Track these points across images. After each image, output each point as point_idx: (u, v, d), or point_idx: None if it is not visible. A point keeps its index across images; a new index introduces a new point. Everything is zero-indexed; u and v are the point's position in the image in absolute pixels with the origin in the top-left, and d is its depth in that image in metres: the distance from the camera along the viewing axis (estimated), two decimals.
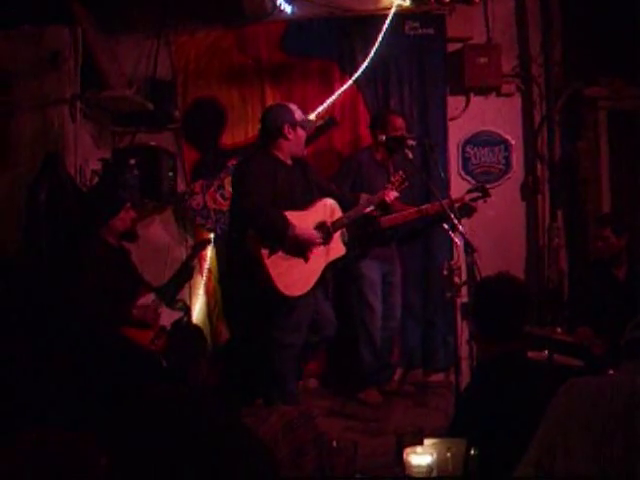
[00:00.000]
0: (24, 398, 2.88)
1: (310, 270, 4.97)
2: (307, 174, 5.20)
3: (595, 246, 5.24)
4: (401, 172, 5.42)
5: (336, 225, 5.11)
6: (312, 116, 6.02)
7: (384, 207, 5.47)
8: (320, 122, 6.00)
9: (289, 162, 5.09)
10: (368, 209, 5.31)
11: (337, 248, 5.15)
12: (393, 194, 5.35)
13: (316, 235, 4.94)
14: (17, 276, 5.08)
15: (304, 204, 5.04)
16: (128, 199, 5.23)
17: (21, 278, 5.05)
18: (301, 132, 5.07)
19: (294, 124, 5.03)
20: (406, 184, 5.40)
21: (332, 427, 4.70)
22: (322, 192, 5.22)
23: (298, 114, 5.09)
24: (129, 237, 5.22)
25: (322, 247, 5.03)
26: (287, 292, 4.83)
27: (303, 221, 4.92)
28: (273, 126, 5.04)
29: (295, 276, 4.89)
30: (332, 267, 5.24)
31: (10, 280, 5.03)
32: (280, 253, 4.83)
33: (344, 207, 5.22)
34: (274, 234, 4.80)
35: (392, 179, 5.45)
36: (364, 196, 5.34)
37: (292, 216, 4.85)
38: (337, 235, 5.14)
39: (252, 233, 4.80)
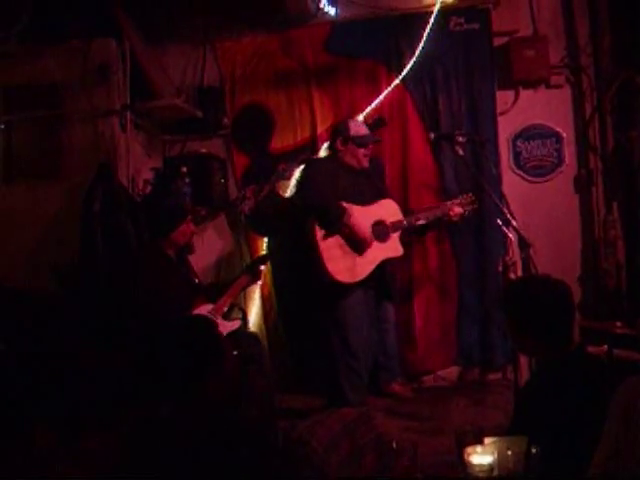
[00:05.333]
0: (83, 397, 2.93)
1: (363, 263, 5.14)
2: (372, 180, 5.47)
3: None
4: (471, 194, 5.54)
5: (395, 227, 5.31)
6: (360, 117, 6.03)
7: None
8: (369, 122, 5.98)
9: (356, 167, 5.37)
10: (424, 221, 5.43)
11: (394, 248, 5.33)
12: (458, 210, 5.45)
13: (368, 229, 5.13)
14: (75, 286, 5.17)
15: (367, 203, 5.29)
16: (190, 212, 5.27)
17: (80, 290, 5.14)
18: (353, 147, 5.34)
19: (346, 139, 5.35)
20: (475, 206, 5.55)
21: (391, 427, 4.68)
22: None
23: (355, 130, 5.38)
24: (187, 250, 5.25)
25: (379, 244, 5.20)
26: (337, 276, 5.03)
27: (361, 215, 5.15)
28: (331, 139, 5.51)
29: (346, 264, 5.08)
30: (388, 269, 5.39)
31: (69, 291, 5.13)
32: (335, 238, 5.07)
33: None
34: (330, 217, 5.05)
35: (461, 197, 5.55)
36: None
37: (351, 208, 5.10)
38: (396, 236, 5.31)
39: (312, 219, 5.08)
